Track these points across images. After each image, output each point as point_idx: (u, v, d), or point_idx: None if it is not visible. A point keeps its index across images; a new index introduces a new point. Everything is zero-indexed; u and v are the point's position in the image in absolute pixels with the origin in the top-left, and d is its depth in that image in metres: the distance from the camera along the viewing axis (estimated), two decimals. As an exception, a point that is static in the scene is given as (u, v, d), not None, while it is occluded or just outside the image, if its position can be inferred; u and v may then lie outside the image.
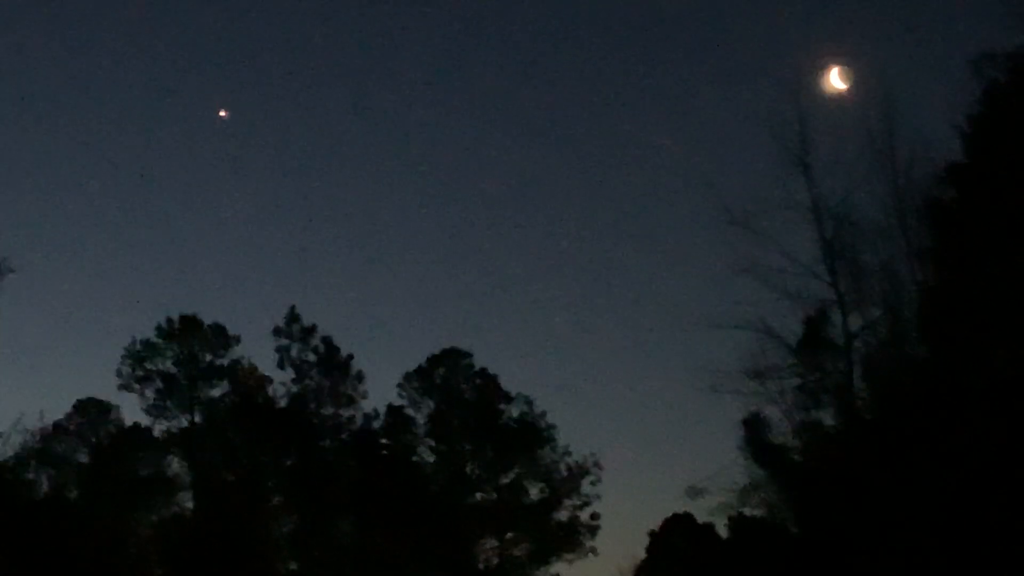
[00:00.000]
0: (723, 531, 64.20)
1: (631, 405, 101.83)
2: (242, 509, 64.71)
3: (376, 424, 73.84)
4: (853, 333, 42.89)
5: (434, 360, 75.88)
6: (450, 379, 75.57)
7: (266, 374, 72.88)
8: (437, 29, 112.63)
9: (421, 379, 75.40)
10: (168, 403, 71.84)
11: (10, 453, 55.44)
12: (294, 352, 73.10)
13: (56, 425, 69.54)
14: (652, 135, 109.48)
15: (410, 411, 75.08)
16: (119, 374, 72.09)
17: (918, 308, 41.18)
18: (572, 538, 74.98)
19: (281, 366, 72.77)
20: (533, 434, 74.98)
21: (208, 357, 72.90)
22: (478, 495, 74.91)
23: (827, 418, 45.21)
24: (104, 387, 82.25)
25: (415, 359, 76.30)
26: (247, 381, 72.32)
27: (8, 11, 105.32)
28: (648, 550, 79.47)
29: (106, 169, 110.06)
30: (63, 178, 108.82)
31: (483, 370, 75.98)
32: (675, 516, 77.39)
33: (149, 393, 71.88)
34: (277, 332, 72.96)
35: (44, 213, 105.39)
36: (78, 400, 73.43)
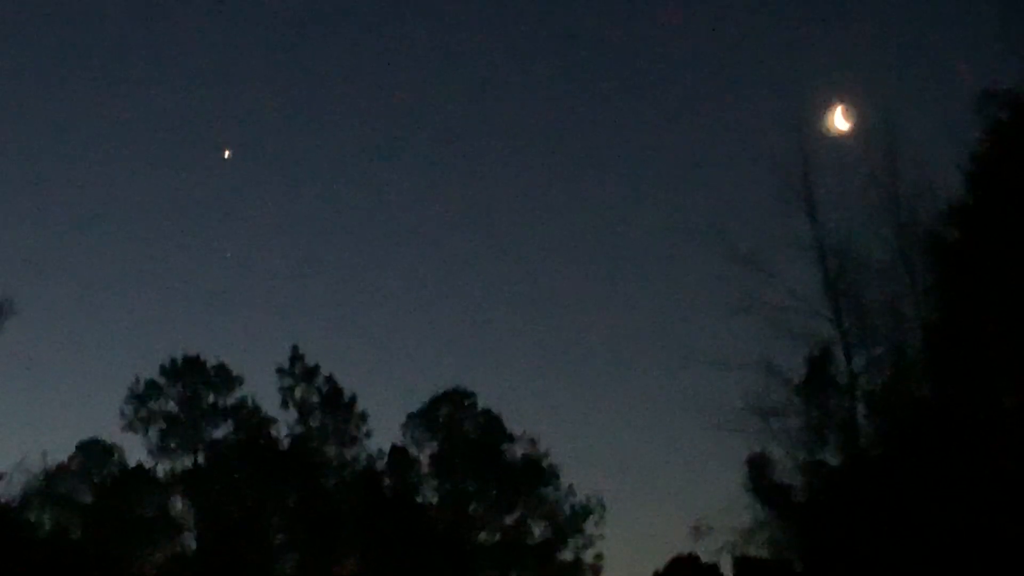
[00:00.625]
0: (728, 571, 63.90)
1: (635, 444, 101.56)
2: (245, 549, 64.66)
3: (379, 464, 73.75)
4: (857, 372, 42.91)
5: (437, 400, 75.74)
6: (453, 419, 75.41)
7: (269, 414, 72.92)
8: (438, 73, 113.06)
9: (424, 419, 75.25)
10: (171, 443, 71.78)
11: (14, 493, 55.59)
12: (297, 392, 73.15)
13: (59, 465, 69.55)
14: (656, 175, 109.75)
15: (413, 451, 74.93)
16: (122, 414, 72.18)
17: (922, 346, 41.19)
18: (576, 578, 74.72)
19: (284, 406, 72.85)
20: (537, 474, 74.77)
21: (211, 397, 72.88)
22: (482, 535, 74.64)
23: (831, 457, 45.14)
24: (107, 427, 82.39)
25: (418, 399, 76.26)
26: (250, 421, 72.26)
27: (14, 52, 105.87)
28: (653, 590, 79.09)
29: (109, 209, 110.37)
30: (66, 218, 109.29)
31: (486, 410, 75.84)
32: (680, 556, 77.00)
33: (152, 433, 71.90)
34: (280, 372, 73.04)
35: (47, 253, 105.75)
36: (81, 441, 73.42)
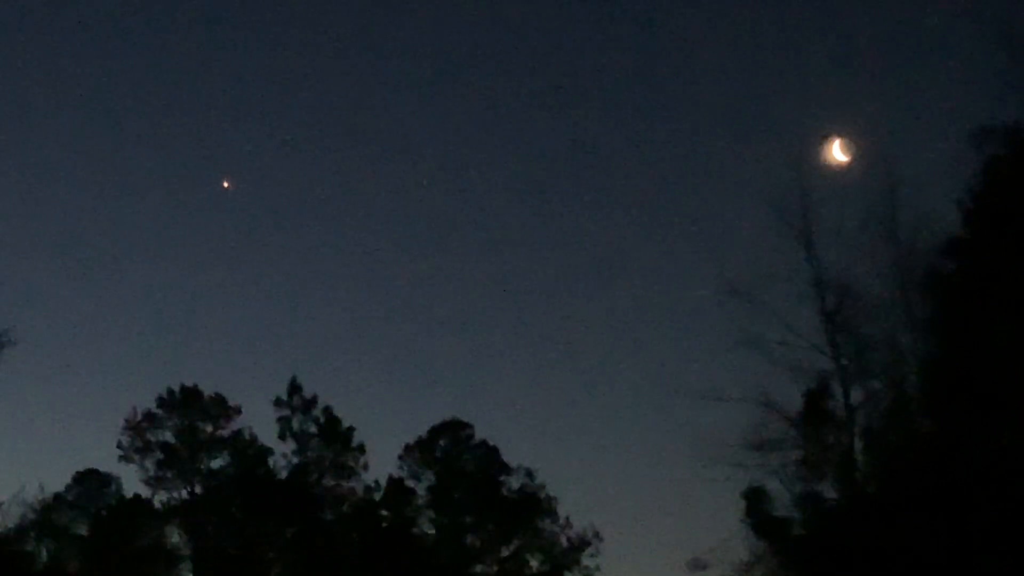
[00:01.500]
0: (725, 605, 63.69)
1: (632, 477, 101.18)
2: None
3: (377, 496, 73.64)
4: (854, 406, 42.86)
5: (435, 431, 75.74)
6: (451, 451, 75.38)
7: (267, 445, 72.85)
8: (438, 96, 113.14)
9: (422, 451, 75.22)
10: (168, 474, 71.70)
11: (10, 524, 55.53)
12: (295, 423, 73.09)
13: (56, 496, 69.45)
14: (654, 208, 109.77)
15: (411, 483, 74.87)
16: (119, 445, 72.13)
17: (920, 381, 41.20)
18: (573, 611, 74.56)
19: (282, 437, 72.78)
20: (534, 506, 74.69)
21: (209, 428, 72.86)
22: (479, 567, 74.53)
23: (829, 491, 45.09)
24: (104, 458, 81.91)
25: (416, 430, 76.20)
26: (248, 452, 72.18)
27: (9, 79, 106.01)
28: (650, 624, 79.02)
29: (107, 239, 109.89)
30: (63, 248, 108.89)
31: (484, 442, 75.84)
32: (676, 589, 76.85)
33: (149, 464, 71.83)
34: (278, 403, 72.99)
35: (45, 283, 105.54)
36: (78, 472, 73.31)
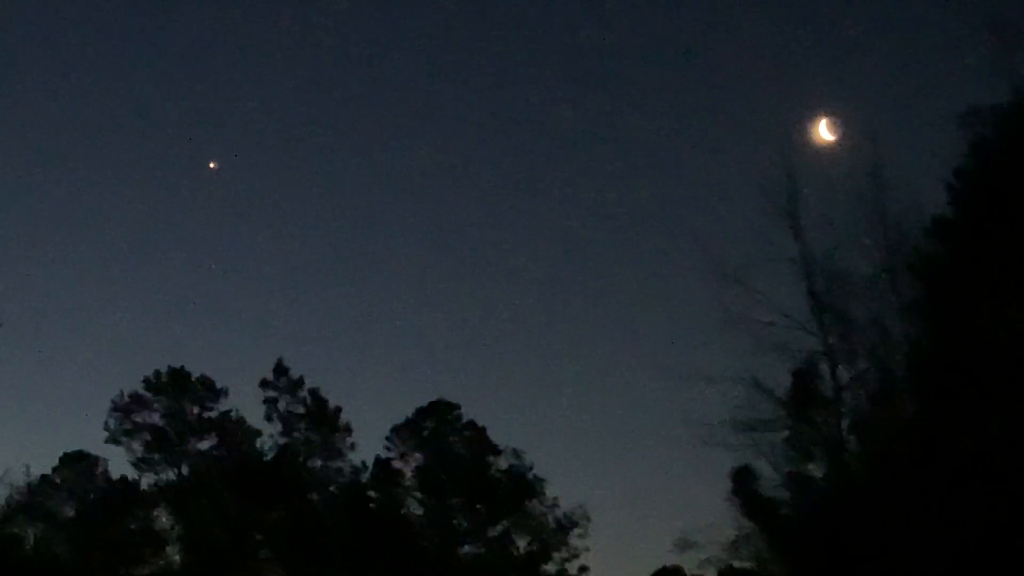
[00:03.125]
0: (713, 584, 63.93)
1: (620, 457, 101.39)
2: (230, 563, 64.49)
3: (364, 477, 73.61)
4: (842, 387, 42.98)
5: (422, 412, 75.66)
6: (439, 431, 75.33)
7: (254, 427, 72.76)
8: (426, 82, 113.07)
9: (410, 431, 75.17)
10: (156, 456, 71.57)
11: (-3, 507, 55.50)
12: (282, 404, 72.98)
13: (43, 479, 69.35)
14: (641, 190, 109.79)
15: (398, 464, 74.87)
16: (106, 427, 71.92)
17: (907, 362, 41.28)
18: (561, 591, 74.68)
19: (269, 418, 72.66)
20: (522, 487, 74.72)
21: (196, 410, 72.70)
22: (467, 548, 74.60)
23: (817, 470, 45.28)
24: (92, 440, 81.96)
25: (403, 411, 76.16)
26: (235, 434, 72.11)
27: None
28: (637, 603, 79.15)
29: (94, 221, 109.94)
30: (51, 230, 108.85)
31: (471, 422, 75.83)
32: (665, 569, 76.97)
33: (137, 446, 71.67)
34: (265, 384, 72.83)
35: (31, 265, 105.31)
36: (65, 453, 73.21)
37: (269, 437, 72.52)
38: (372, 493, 73.95)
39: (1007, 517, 34.26)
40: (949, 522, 35.29)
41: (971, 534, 34.73)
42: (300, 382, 73.40)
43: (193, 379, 72.91)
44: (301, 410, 73.06)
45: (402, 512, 74.24)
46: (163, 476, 71.80)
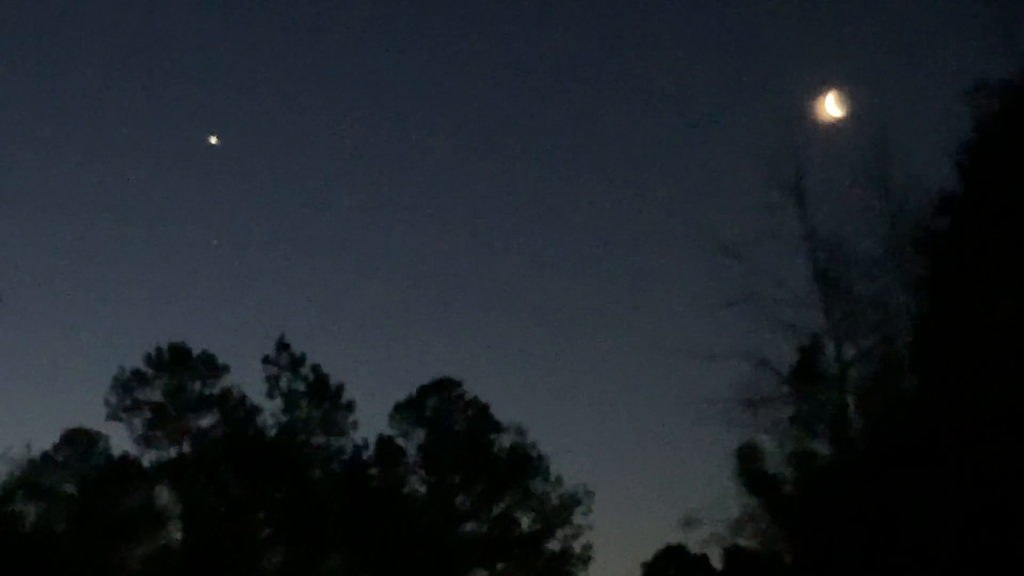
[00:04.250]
0: (717, 562, 63.98)
1: (624, 435, 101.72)
2: (231, 541, 64.39)
3: (366, 454, 73.48)
4: (847, 363, 42.80)
5: (425, 390, 75.56)
6: (441, 409, 75.23)
7: (256, 404, 72.59)
8: (431, 58, 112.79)
9: (412, 409, 75.05)
10: (157, 433, 71.36)
11: (-2, 484, 55.36)
12: (284, 381, 72.74)
13: (44, 456, 69.20)
14: (645, 166, 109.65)
15: (401, 441, 74.76)
16: (107, 404, 71.70)
17: (912, 339, 41.09)
18: (564, 569, 74.58)
19: (271, 395, 72.45)
20: (525, 464, 74.67)
21: (197, 387, 72.46)
22: (469, 526, 74.53)
23: (821, 448, 45.15)
24: (92, 417, 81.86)
25: (406, 388, 76.06)
26: (236, 411, 71.94)
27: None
28: (641, 581, 79.12)
29: (94, 197, 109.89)
30: (50, 207, 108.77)
31: (474, 400, 75.72)
32: (668, 547, 77.04)
33: (137, 423, 71.43)
34: (267, 361, 72.64)
35: (32, 242, 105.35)
36: (66, 430, 73.06)
37: (271, 414, 72.44)
38: (374, 471, 73.83)
39: (1011, 493, 34.10)
40: (953, 498, 35.15)
41: (975, 510, 34.59)
42: (302, 359, 73.21)
43: (194, 356, 72.66)
44: (303, 387, 72.87)
45: (404, 490, 74.16)
46: (164, 453, 71.61)
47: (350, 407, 73.12)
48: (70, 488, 70.32)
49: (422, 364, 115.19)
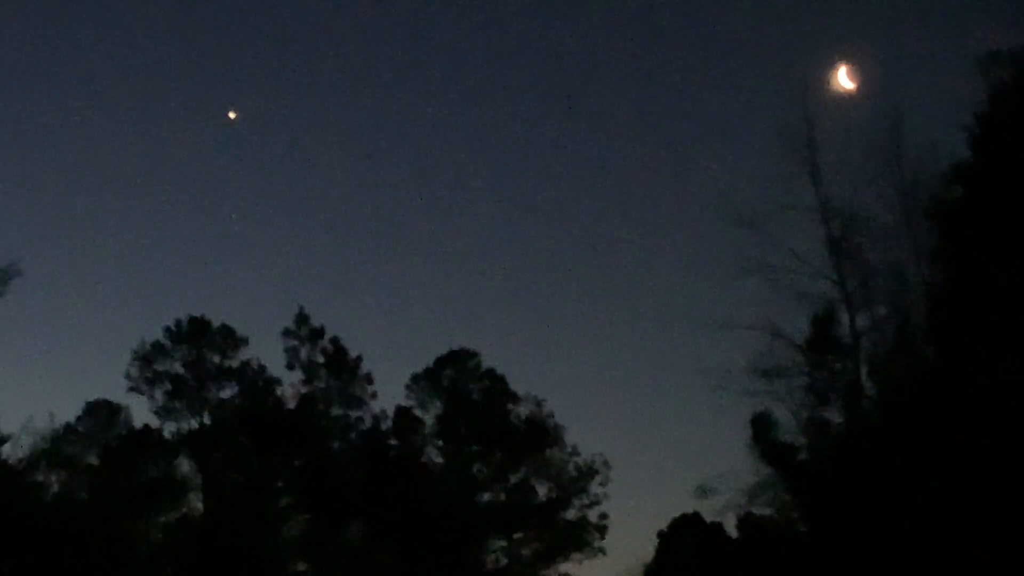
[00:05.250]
0: (732, 530, 64.11)
1: (639, 405, 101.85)
2: (251, 511, 64.83)
3: (384, 425, 73.86)
4: (860, 333, 43.03)
5: (442, 361, 75.85)
6: (458, 380, 75.53)
7: (275, 376, 72.98)
8: (447, 33, 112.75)
9: (429, 380, 75.35)
10: (177, 405, 71.78)
11: (20, 455, 55.74)
12: (303, 353, 73.10)
13: (66, 427, 69.65)
14: (660, 138, 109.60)
15: (418, 412, 75.09)
16: (128, 376, 72.08)
17: (925, 308, 41.28)
18: (581, 538, 74.90)
19: (290, 367, 72.80)
20: (541, 434, 74.92)
21: (217, 359, 72.80)
22: (486, 495, 74.87)
23: (835, 416, 45.33)
24: (114, 389, 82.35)
25: (423, 360, 76.31)
26: (256, 383, 72.35)
27: (14, 12, 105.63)
28: (657, 550, 79.30)
29: (114, 170, 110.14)
30: (70, 180, 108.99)
31: (491, 370, 75.96)
32: (684, 516, 77.17)
33: (158, 395, 71.81)
34: (286, 333, 73.01)
35: (52, 215, 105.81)
36: (88, 402, 73.51)
37: (290, 386, 72.80)
38: (392, 441, 74.22)
39: None
40: (966, 466, 35.35)
41: (989, 478, 34.80)
42: (321, 331, 73.56)
43: (214, 328, 72.96)
44: (322, 359, 73.25)
45: (422, 460, 74.56)
46: (184, 424, 72.03)
47: (369, 379, 73.52)
48: (92, 459, 70.78)
49: (439, 335, 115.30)
